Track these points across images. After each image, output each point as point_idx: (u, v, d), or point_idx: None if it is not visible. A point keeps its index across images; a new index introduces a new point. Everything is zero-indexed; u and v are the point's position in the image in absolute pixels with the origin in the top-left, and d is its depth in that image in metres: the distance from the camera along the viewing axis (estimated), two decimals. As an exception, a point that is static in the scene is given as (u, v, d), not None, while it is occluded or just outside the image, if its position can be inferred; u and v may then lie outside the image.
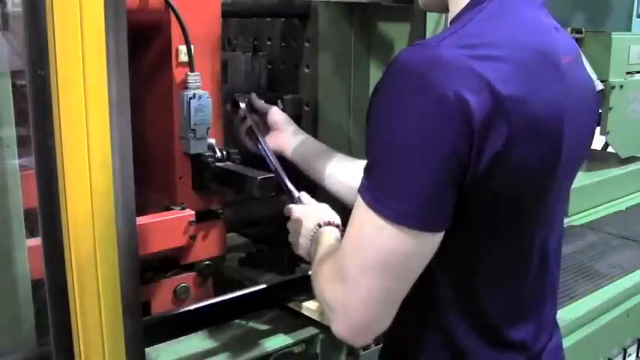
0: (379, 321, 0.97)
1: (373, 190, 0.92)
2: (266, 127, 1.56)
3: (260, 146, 1.52)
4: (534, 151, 0.94)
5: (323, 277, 1.04)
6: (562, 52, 1.02)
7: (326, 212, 1.33)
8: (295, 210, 1.37)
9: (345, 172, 1.45)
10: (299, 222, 1.33)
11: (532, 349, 1.10)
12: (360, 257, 0.93)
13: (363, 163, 1.38)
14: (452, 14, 1.06)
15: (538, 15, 1.03)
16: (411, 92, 0.88)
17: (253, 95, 1.60)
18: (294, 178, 1.46)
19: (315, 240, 1.27)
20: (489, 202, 0.95)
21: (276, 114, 1.56)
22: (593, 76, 2.93)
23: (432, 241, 0.93)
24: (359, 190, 0.95)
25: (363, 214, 0.92)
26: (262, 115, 1.57)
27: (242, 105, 1.57)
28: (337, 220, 1.30)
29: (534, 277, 1.10)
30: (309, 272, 1.13)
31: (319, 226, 1.28)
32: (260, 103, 1.58)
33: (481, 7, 0.99)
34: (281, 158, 1.52)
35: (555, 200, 1.07)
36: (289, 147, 1.52)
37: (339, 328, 0.98)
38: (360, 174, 1.27)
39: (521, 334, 1.09)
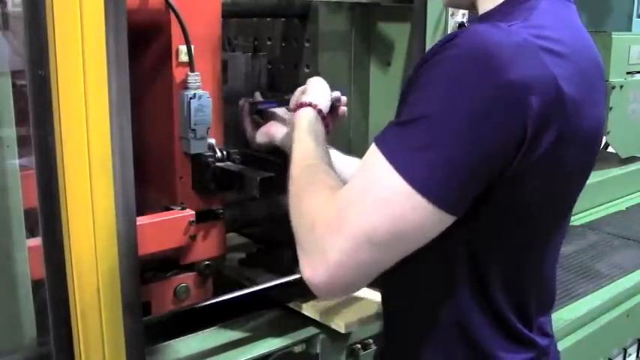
0: (357, 285, 0.95)
1: (408, 154, 0.87)
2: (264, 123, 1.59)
3: (260, 105, 1.56)
4: (577, 155, 0.94)
5: (309, 208, 0.96)
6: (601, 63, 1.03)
7: (312, 93, 1.31)
8: None
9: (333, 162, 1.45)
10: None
11: (541, 345, 1.11)
12: (370, 220, 0.88)
13: (349, 158, 1.37)
14: (482, 11, 1.05)
15: (579, 21, 1.03)
16: (474, 73, 0.85)
17: (257, 94, 1.63)
18: None
19: (292, 124, 1.25)
20: (524, 197, 0.93)
21: (274, 108, 1.58)
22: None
23: (445, 222, 0.90)
24: (380, 144, 0.90)
25: (385, 173, 0.88)
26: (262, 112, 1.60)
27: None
28: (319, 101, 1.28)
29: (548, 275, 1.11)
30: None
31: (294, 108, 1.29)
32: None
33: (529, 4, 0.96)
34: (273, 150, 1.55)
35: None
36: (281, 136, 1.53)
37: (314, 276, 0.91)
38: (347, 167, 1.26)
39: (534, 328, 1.09)
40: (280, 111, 1.58)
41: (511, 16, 0.94)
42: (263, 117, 1.60)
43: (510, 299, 1.03)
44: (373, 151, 0.91)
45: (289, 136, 1.45)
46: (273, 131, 1.54)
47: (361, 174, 0.92)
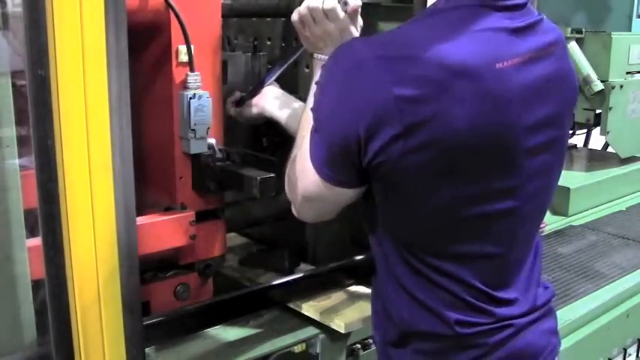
0: (321, 218, 1.24)
1: (311, 136, 1.12)
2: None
3: (265, 79, 1.60)
4: (432, 149, 1.02)
5: (293, 165, 1.20)
6: (504, 57, 1.05)
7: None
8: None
9: None
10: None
11: (498, 314, 1.15)
12: (302, 185, 1.15)
13: None
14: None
15: (486, 21, 1.07)
16: (333, 81, 1.08)
17: (237, 93, 1.65)
18: None
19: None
20: (387, 182, 1.08)
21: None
22: (594, 77, 2.93)
23: (343, 193, 1.12)
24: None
25: (306, 151, 1.12)
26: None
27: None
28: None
29: (492, 254, 1.15)
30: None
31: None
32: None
33: (432, 13, 1.10)
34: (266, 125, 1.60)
35: (504, 186, 1.10)
36: (269, 105, 1.55)
37: (294, 212, 1.22)
38: None
39: (488, 299, 1.15)
40: (269, 84, 1.60)
41: (400, 29, 1.11)
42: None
43: (447, 272, 1.12)
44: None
45: (279, 108, 1.54)
46: (262, 103, 1.56)
47: (303, 147, 1.16)
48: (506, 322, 1.15)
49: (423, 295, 1.14)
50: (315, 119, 1.12)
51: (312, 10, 1.28)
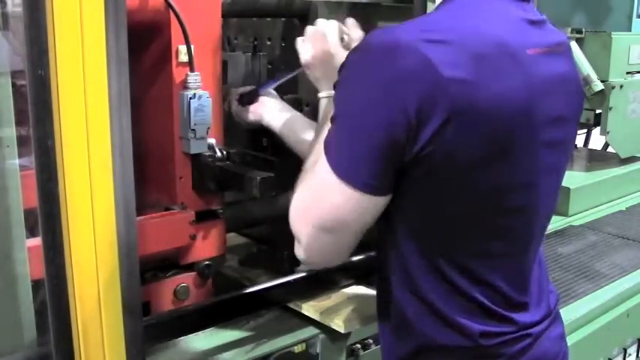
0: (332, 259, 1.14)
1: (333, 149, 1.03)
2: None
3: (261, 89, 1.60)
4: (479, 132, 0.99)
5: (295, 203, 1.10)
6: (530, 44, 1.05)
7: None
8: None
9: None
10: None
11: (519, 321, 1.14)
12: (318, 212, 1.05)
13: None
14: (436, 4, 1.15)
15: (509, 9, 1.08)
16: (366, 71, 1.00)
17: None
18: None
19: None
20: (430, 174, 1.02)
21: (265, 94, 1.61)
22: (594, 77, 2.93)
23: (377, 203, 1.04)
24: (324, 142, 1.05)
25: (324, 167, 1.03)
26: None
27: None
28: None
29: (506, 253, 1.13)
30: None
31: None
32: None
33: (449, 1, 1.08)
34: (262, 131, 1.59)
35: (526, 178, 1.09)
36: (267, 115, 1.55)
37: (298, 255, 1.12)
38: None
39: (509, 305, 1.13)
40: (268, 94, 1.60)
41: (432, 14, 1.08)
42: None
43: (471, 272, 1.09)
44: (322, 155, 1.06)
45: (275, 118, 1.53)
46: (261, 112, 1.56)
47: (313, 173, 1.07)
48: (525, 332, 1.14)
49: (446, 306, 1.11)
50: (344, 121, 1.03)
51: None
